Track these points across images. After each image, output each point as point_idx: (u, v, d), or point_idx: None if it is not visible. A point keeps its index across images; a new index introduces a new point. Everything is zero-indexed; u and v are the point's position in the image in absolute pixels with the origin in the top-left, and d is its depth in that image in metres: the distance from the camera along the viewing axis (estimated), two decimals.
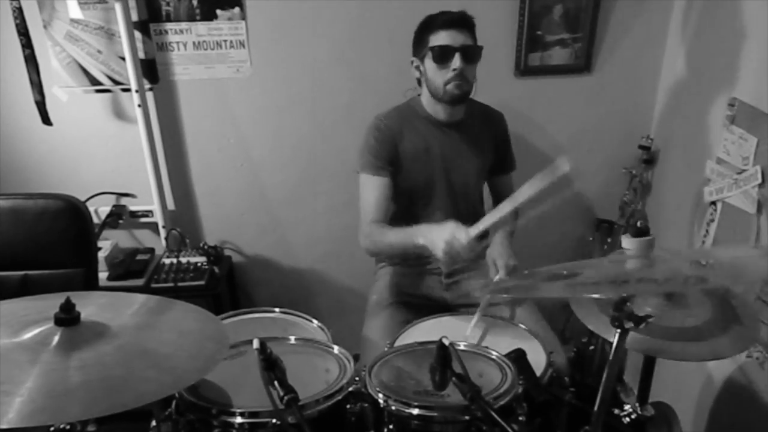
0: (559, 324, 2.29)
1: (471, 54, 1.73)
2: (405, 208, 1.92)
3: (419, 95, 1.88)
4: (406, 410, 1.10)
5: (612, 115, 2.37)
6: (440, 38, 1.71)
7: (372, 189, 1.82)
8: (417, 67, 1.81)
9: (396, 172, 1.85)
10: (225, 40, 2.20)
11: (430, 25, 1.75)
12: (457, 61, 1.70)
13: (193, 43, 2.19)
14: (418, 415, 1.09)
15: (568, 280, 0.97)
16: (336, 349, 1.28)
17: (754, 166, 1.68)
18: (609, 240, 2.41)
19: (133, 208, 2.38)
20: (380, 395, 1.13)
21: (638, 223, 1.01)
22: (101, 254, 2.19)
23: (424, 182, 1.87)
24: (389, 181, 1.82)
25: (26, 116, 2.18)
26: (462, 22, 1.73)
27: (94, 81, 2.21)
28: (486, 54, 1.81)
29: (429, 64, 1.75)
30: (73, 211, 1.66)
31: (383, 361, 1.26)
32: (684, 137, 2.13)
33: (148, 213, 2.38)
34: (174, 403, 1.15)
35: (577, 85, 2.31)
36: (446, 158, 1.86)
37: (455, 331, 1.54)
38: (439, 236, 1.50)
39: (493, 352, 1.26)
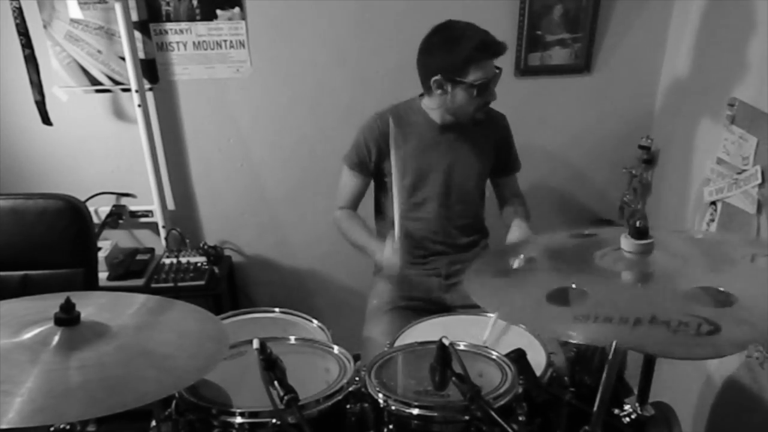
0: None
1: (497, 80, 1.74)
2: (399, 207, 1.91)
3: (420, 95, 1.87)
4: (406, 410, 1.10)
5: (612, 115, 2.37)
6: (481, 72, 1.68)
7: (347, 182, 1.93)
8: (440, 86, 1.73)
9: (384, 174, 1.86)
10: (225, 40, 2.20)
11: (470, 53, 1.66)
12: (492, 92, 1.73)
13: (193, 43, 2.19)
14: (418, 415, 1.09)
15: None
16: (336, 349, 1.28)
17: (754, 166, 1.68)
18: None
19: (133, 208, 2.38)
20: (380, 395, 1.13)
21: (638, 223, 1.00)
22: (101, 254, 2.19)
23: (419, 183, 1.86)
24: (364, 180, 1.91)
25: (26, 116, 2.18)
26: (499, 49, 1.70)
27: (94, 81, 2.21)
28: None
29: (463, 93, 1.71)
30: (73, 211, 1.66)
31: (383, 361, 1.26)
32: (684, 137, 2.13)
33: (148, 213, 2.38)
34: (174, 403, 1.15)
35: (577, 85, 2.31)
36: (443, 160, 1.85)
37: (455, 331, 1.53)
38: (380, 258, 1.73)
39: (493, 352, 1.26)
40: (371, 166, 1.88)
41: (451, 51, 1.69)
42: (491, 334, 1.48)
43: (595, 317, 0.87)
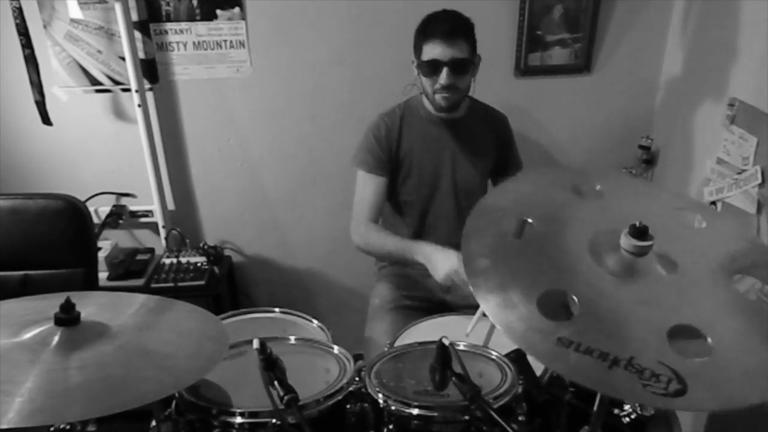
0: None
1: (460, 67, 1.69)
2: (408, 205, 1.91)
3: (421, 93, 1.87)
4: (406, 410, 1.09)
5: (612, 115, 2.37)
6: (430, 51, 1.68)
7: (366, 187, 1.84)
8: (416, 68, 1.80)
9: (395, 172, 1.85)
10: (225, 40, 2.20)
11: (424, 32, 1.72)
12: (444, 76, 1.68)
13: (193, 43, 2.19)
14: (418, 415, 1.09)
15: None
16: (336, 349, 1.28)
17: (754, 166, 1.68)
18: None
19: (133, 208, 2.38)
20: (380, 395, 1.13)
21: (637, 223, 1.00)
22: (101, 254, 2.19)
23: (427, 179, 1.87)
24: (384, 180, 1.84)
25: (26, 116, 2.18)
26: (454, 33, 1.66)
27: (94, 81, 2.21)
28: (486, 54, 1.81)
29: (421, 73, 1.76)
30: (73, 211, 1.66)
31: (383, 361, 1.26)
32: (684, 137, 2.13)
33: (148, 213, 2.38)
34: (174, 403, 1.15)
35: (577, 85, 2.31)
36: (448, 155, 1.86)
37: (455, 331, 1.53)
38: (442, 265, 1.55)
39: (493, 352, 1.26)
40: (388, 165, 1.84)
41: (417, 31, 1.75)
42: (475, 328, 1.50)
43: (578, 345, 0.84)
